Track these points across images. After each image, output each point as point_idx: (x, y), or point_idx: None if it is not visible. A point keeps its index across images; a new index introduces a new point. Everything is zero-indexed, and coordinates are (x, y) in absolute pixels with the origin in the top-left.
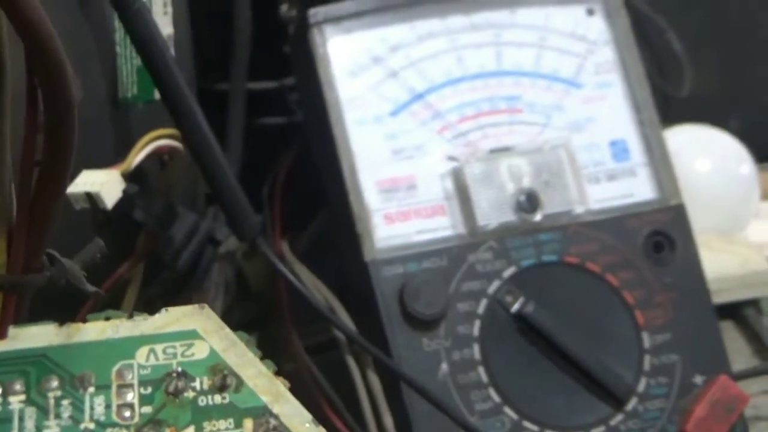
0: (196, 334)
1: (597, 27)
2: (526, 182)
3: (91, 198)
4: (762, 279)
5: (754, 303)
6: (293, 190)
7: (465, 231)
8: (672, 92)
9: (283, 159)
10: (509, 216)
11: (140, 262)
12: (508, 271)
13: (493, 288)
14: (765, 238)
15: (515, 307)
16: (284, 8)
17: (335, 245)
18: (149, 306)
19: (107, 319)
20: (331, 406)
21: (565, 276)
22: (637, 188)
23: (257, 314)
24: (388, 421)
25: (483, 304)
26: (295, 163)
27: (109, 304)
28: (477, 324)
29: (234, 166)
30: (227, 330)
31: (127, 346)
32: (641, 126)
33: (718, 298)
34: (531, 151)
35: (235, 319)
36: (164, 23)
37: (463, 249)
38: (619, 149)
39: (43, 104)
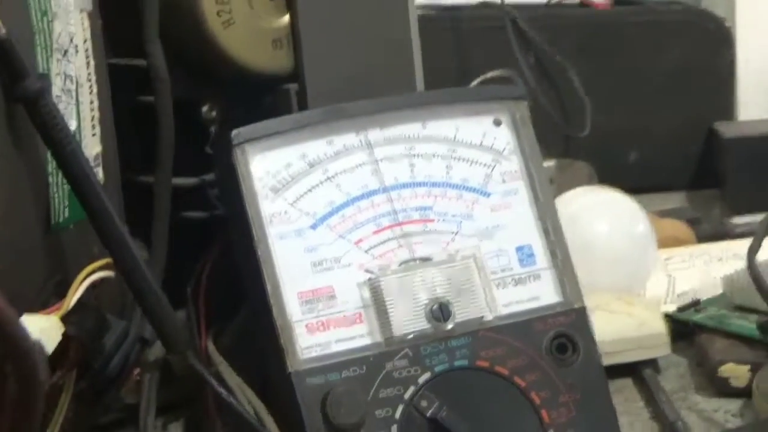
0: None
1: (504, 137)
2: (439, 292)
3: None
4: (658, 341)
5: (652, 362)
6: (217, 284)
7: (381, 339)
8: (574, 134)
9: (205, 258)
10: (423, 324)
11: (72, 370)
12: (423, 377)
13: (409, 394)
14: (663, 289)
15: (430, 412)
16: (205, 109)
17: (258, 343)
18: (79, 400)
19: None
20: None
21: (476, 379)
22: (542, 291)
23: (181, 397)
24: None
25: (400, 409)
26: (219, 259)
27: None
28: (394, 429)
29: (160, 261)
30: None
31: None
32: (545, 231)
33: (617, 359)
34: (443, 262)
35: (160, 402)
36: (93, 143)
37: (380, 357)
38: (525, 254)
39: (13, 384)
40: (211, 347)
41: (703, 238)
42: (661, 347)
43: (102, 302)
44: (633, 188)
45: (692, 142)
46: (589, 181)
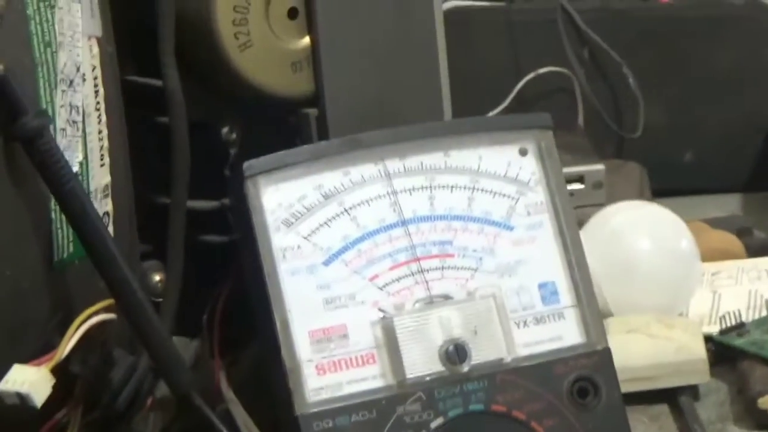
0: None
1: (529, 167)
2: (456, 332)
3: (21, 396)
4: (697, 367)
5: (691, 389)
6: (236, 309)
7: (394, 382)
8: (626, 135)
9: (222, 286)
10: (437, 367)
11: (78, 407)
12: (436, 422)
13: None
14: (707, 307)
15: None
16: (225, 131)
17: (268, 380)
18: (90, 430)
19: None
20: None
21: (492, 425)
22: (564, 331)
23: (196, 426)
24: None
25: None
26: (237, 284)
27: None
28: None
29: (175, 286)
30: None
31: None
32: (570, 267)
33: (653, 385)
34: (461, 301)
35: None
36: (101, 174)
37: (391, 401)
38: (548, 291)
39: None
40: (224, 382)
41: (754, 250)
42: (700, 374)
43: (110, 335)
44: (687, 189)
45: (749, 142)
46: (640, 183)
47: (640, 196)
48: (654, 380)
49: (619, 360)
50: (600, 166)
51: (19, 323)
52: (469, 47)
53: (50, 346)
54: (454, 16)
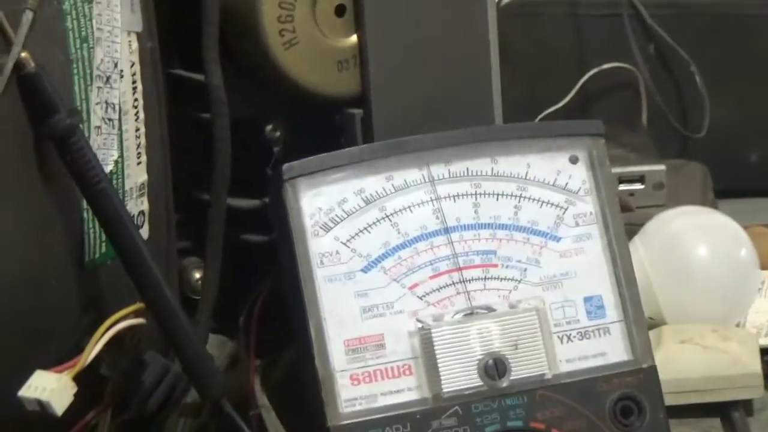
0: None
1: (579, 176)
2: (496, 346)
3: (41, 404)
4: (751, 382)
5: (745, 403)
6: (275, 311)
7: (430, 395)
8: (691, 134)
9: (260, 288)
10: (475, 381)
11: (107, 409)
12: None
13: None
14: (765, 318)
15: None
16: (269, 129)
17: (303, 388)
18: (121, 430)
19: None
20: None
21: None
22: (609, 347)
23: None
24: None
25: None
26: (277, 285)
27: None
28: None
29: (213, 286)
30: None
31: None
32: (618, 281)
33: (705, 398)
34: (503, 314)
35: None
36: (137, 172)
37: (426, 415)
38: (594, 306)
39: None
40: (257, 386)
41: None
42: (754, 388)
43: (142, 337)
44: (752, 191)
45: None
46: (703, 184)
47: (703, 197)
48: (706, 393)
49: (670, 371)
50: (661, 167)
51: (47, 323)
52: (532, 40)
53: (80, 348)
54: (518, 8)
